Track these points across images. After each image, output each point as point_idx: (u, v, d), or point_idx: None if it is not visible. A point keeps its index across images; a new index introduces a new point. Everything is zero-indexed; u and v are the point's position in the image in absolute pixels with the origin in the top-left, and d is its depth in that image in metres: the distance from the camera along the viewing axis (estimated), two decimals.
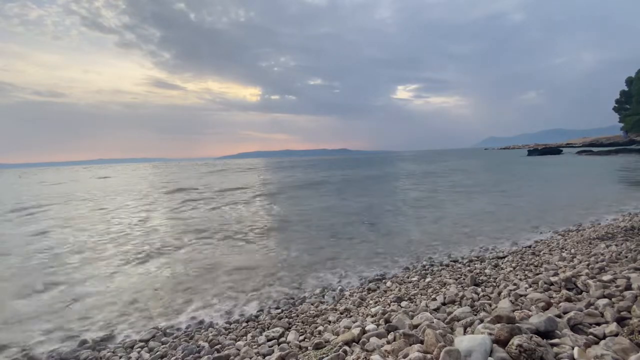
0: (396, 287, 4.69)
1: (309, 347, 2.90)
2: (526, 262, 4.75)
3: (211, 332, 3.79)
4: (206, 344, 3.41)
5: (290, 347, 3.07)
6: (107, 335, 3.86)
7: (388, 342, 2.43)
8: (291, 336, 3.34)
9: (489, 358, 1.73)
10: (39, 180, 42.76)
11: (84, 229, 10.28)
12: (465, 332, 2.34)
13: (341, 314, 3.93)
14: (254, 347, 3.25)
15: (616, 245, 4.61)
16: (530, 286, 3.28)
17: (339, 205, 13.48)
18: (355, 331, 2.77)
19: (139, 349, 3.55)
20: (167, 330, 3.95)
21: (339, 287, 5.03)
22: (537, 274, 3.77)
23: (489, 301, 3.15)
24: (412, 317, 2.90)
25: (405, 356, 2.00)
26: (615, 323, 2.02)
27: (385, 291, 4.58)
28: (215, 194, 18.46)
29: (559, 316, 2.27)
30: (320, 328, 3.49)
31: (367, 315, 3.57)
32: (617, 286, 2.64)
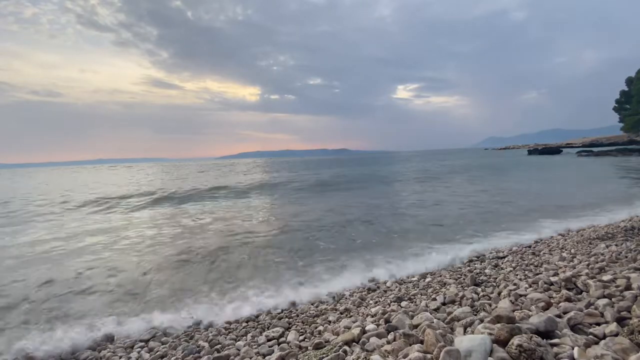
0: (396, 287, 4.69)
1: (309, 347, 2.90)
2: (526, 262, 4.75)
3: (211, 332, 3.79)
4: (206, 344, 3.42)
5: (290, 347, 3.07)
6: (107, 335, 3.85)
7: (388, 342, 2.43)
8: (291, 336, 3.34)
9: (489, 358, 1.73)
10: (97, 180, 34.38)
11: None
12: (465, 332, 2.34)
13: (341, 314, 3.93)
14: (254, 347, 3.25)
15: (616, 245, 4.61)
16: (530, 286, 3.28)
17: (338, 205, 13.48)
18: (355, 331, 2.77)
19: (139, 349, 3.54)
20: (167, 330, 3.95)
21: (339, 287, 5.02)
22: (537, 274, 3.77)
23: (489, 301, 3.15)
24: (412, 317, 2.90)
25: (405, 356, 2.00)
26: (615, 323, 2.02)
27: (385, 291, 4.58)
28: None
29: (559, 316, 2.27)
30: (320, 328, 3.49)
31: (367, 315, 3.57)
32: (617, 286, 2.64)
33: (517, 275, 4.04)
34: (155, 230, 9.65)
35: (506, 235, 7.35)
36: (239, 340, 3.47)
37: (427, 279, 4.77)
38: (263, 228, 9.41)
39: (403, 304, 3.76)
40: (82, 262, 6.72)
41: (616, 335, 1.89)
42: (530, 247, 6.07)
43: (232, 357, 3.07)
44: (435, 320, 2.64)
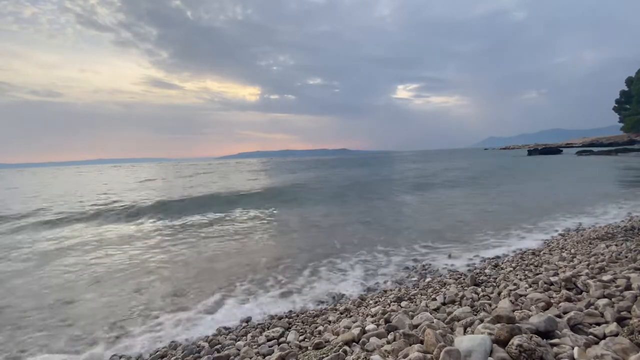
0: (396, 287, 4.70)
1: (309, 347, 2.90)
2: (526, 262, 4.75)
3: (211, 332, 3.79)
4: (206, 344, 3.42)
5: (290, 347, 3.07)
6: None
7: (388, 342, 2.42)
8: (291, 336, 3.34)
9: (489, 358, 1.73)
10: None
11: None
12: (465, 332, 2.34)
13: (341, 314, 3.93)
14: (254, 347, 3.25)
15: (616, 245, 4.61)
16: (530, 286, 3.27)
17: (337, 205, 13.48)
18: (355, 331, 2.77)
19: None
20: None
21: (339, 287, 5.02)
22: (537, 274, 3.77)
23: (489, 301, 3.15)
24: (412, 317, 2.90)
25: (405, 356, 2.00)
26: (615, 323, 2.02)
27: (385, 291, 4.58)
28: None
29: (559, 316, 2.26)
30: (320, 328, 3.49)
31: (367, 315, 3.57)
32: (617, 286, 2.64)
33: (517, 275, 4.04)
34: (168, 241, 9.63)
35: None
36: (238, 340, 3.48)
37: (427, 279, 4.77)
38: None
39: (403, 304, 3.76)
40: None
41: (616, 335, 1.89)
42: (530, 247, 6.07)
43: (232, 357, 3.07)
44: (435, 320, 2.64)
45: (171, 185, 25.00)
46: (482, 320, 2.37)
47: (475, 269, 4.95)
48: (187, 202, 15.46)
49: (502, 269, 4.67)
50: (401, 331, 2.41)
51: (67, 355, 3.52)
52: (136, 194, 19.11)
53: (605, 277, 2.89)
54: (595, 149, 51.03)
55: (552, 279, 3.21)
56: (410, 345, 2.16)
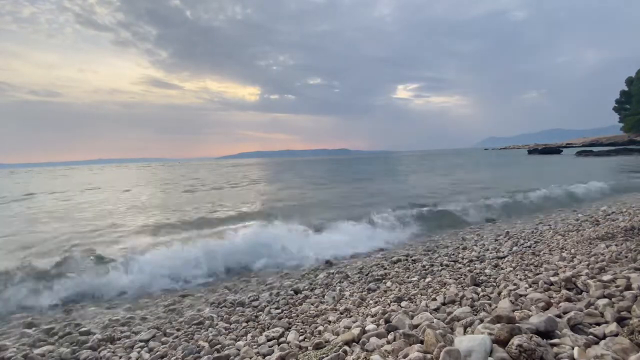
0: (396, 287, 4.70)
1: (309, 347, 2.90)
2: (526, 262, 4.74)
3: (211, 332, 3.79)
4: (206, 344, 3.42)
5: (290, 347, 3.07)
6: (107, 336, 3.85)
7: (388, 342, 2.42)
8: (291, 336, 3.35)
9: (489, 358, 1.73)
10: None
11: None
12: (465, 332, 2.34)
13: (341, 314, 3.93)
14: (254, 347, 3.25)
15: (616, 245, 4.60)
16: (530, 286, 3.27)
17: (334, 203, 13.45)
18: (355, 331, 2.77)
19: (139, 349, 3.54)
20: (167, 330, 3.95)
21: (339, 287, 5.03)
22: (537, 274, 3.77)
23: (489, 301, 3.15)
24: (412, 317, 2.90)
25: (405, 356, 2.00)
26: (615, 323, 2.02)
27: (385, 291, 4.59)
28: None
29: (559, 316, 2.26)
30: (320, 328, 3.49)
31: (367, 315, 3.57)
32: (617, 286, 2.64)
33: (517, 275, 4.04)
34: None
35: None
36: (239, 340, 3.48)
37: (427, 279, 4.77)
38: None
39: (403, 304, 3.76)
40: None
41: (616, 335, 1.89)
42: (530, 247, 6.07)
43: (232, 357, 3.07)
44: (435, 320, 2.63)
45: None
46: (482, 320, 2.37)
47: (475, 268, 4.95)
48: None
49: (502, 269, 4.67)
50: (401, 331, 2.41)
51: None
52: None
53: (605, 277, 2.89)
54: (595, 149, 51.02)
55: (552, 279, 3.21)
56: (410, 345, 2.16)
